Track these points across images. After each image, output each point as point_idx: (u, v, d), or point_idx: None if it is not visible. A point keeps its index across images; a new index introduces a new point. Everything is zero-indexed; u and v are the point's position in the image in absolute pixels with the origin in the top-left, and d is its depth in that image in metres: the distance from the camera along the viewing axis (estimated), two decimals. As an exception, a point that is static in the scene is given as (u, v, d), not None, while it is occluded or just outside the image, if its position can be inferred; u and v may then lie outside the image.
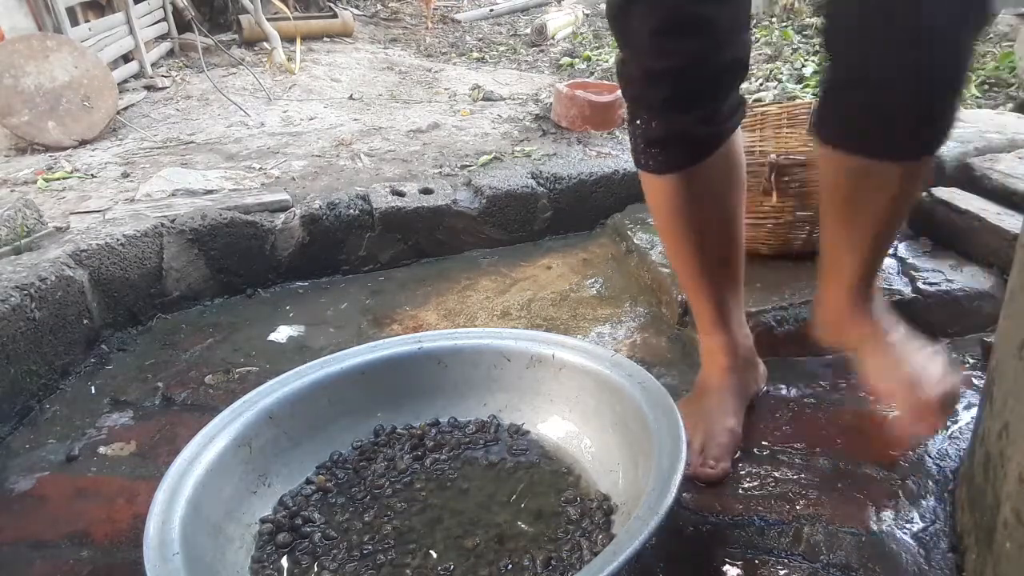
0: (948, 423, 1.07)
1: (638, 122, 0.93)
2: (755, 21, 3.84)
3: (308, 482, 1.00)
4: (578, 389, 1.05)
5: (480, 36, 3.98)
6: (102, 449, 1.12)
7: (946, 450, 1.01)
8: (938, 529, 0.88)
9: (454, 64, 3.36)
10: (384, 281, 1.64)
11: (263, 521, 0.93)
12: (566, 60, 3.21)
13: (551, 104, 2.50)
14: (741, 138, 1.01)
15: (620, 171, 1.82)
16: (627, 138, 2.29)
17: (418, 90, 2.94)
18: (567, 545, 0.88)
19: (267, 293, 1.59)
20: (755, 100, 2.47)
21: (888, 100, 0.79)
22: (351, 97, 2.88)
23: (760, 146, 1.37)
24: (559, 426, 1.06)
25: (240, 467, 0.95)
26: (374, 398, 1.10)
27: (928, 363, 0.92)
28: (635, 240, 1.62)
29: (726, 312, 1.05)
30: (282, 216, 1.61)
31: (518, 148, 2.16)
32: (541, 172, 1.79)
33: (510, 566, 0.85)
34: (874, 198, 0.87)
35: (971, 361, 1.24)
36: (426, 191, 1.72)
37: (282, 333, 1.44)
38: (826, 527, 0.90)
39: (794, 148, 1.34)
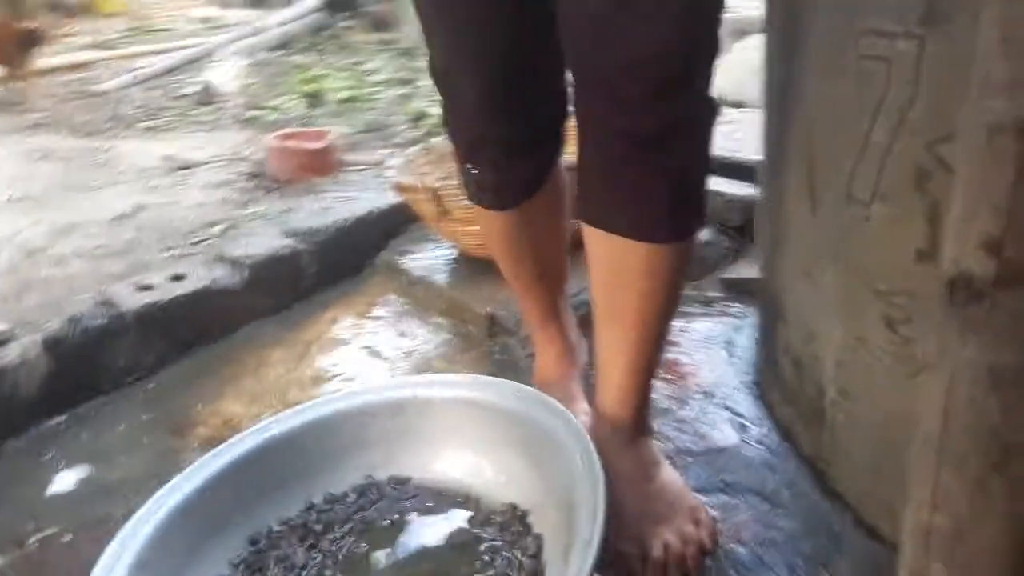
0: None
1: (468, 166, 0.98)
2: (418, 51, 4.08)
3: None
4: (450, 420, 1.06)
5: (138, 104, 3.64)
6: None
7: (729, 378, 1.23)
8: (767, 430, 1.08)
9: (123, 138, 3.03)
10: (158, 387, 1.45)
11: None
12: (252, 114, 3.10)
13: (262, 160, 2.42)
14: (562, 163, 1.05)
15: (373, 210, 1.84)
16: (352, 177, 2.31)
17: (95, 173, 2.60)
18: (501, 561, 0.91)
19: (20, 443, 1.31)
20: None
21: (629, 183, 0.81)
22: (9, 199, 2.45)
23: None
24: (441, 461, 1.06)
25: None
26: (234, 507, 0.99)
27: (672, 519, 0.91)
28: (414, 273, 1.66)
29: (559, 307, 1.16)
30: (9, 348, 1.35)
31: (248, 211, 2.05)
32: (295, 228, 1.74)
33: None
34: (638, 285, 0.86)
35: (717, 295, 1.51)
36: (177, 277, 1.56)
37: (65, 482, 1.21)
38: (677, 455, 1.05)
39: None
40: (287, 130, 2.52)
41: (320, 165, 2.34)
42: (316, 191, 2.21)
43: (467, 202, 1.43)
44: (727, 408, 1.15)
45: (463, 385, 1.07)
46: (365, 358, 1.46)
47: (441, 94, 0.95)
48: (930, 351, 0.74)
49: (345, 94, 3.28)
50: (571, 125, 0.90)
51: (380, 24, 4.86)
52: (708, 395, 1.18)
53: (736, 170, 1.62)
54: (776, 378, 1.08)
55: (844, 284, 0.83)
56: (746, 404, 1.15)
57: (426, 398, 1.07)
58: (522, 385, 1.02)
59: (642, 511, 0.91)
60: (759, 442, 1.07)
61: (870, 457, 0.87)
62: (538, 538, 0.93)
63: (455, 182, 1.50)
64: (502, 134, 0.93)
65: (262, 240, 1.70)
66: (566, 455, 0.89)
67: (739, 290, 1.48)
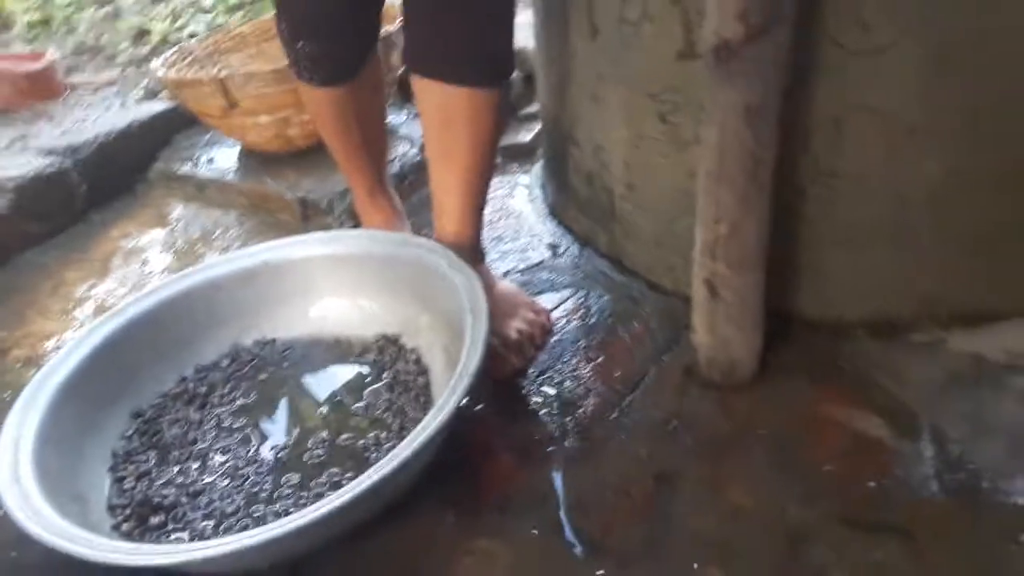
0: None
1: (301, 44, 1.04)
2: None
3: (119, 480, 0.91)
4: (304, 276, 1.14)
5: None
6: None
7: (529, 214, 1.47)
8: (570, 244, 1.33)
9: None
10: (-61, 325, 1.31)
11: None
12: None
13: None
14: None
15: (133, 122, 1.75)
16: (87, 98, 2.12)
17: None
18: (388, 373, 1.05)
19: None
20: (190, 35, 2.50)
21: (449, 36, 0.97)
22: None
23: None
24: (300, 316, 1.14)
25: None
26: (107, 390, 0.99)
27: (517, 313, 1.11)
28: (201, 175, 1.64)
29: (384, 179, 1.28)
30: None
31: (-29, 142, 1.80)
32: (52, 147, 1.60)
33: (373, 434, 0.96)
34: (464, 126, 1.01)
35: (497, 160, 1.72)
36: (-73, 207, 1.38)
37: None
38: (508, 275, 1.27)
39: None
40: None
41: (43, 89, 2.10)
42: (48, 116, 1.99)
43: (256, 91, 1.48)
44: (534, 236, 1.37)
45: (312, 242, 1.15)
46: (177, 259, 1.45)
47: None
48: (690, 130, 1.01)
49: (35, 17, 2.87)
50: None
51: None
52: (517, 230, 1.40)
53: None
54: (570, 199, 1.32)
55: (624, 96, 1.07)
56: (549, 229, 1.39)
57: (277, 261, 1.14)
58: (373, 231, 1.14)
59: (493, 312, 1.11)
60: (566, 252, 1.31)
61: (653, 232, 1.15)
62: (415, 350, 1.08)
63: (242, 69, 1.52)
64: (330, 10, 1.02)
65: (19, 161, 1.54)
66: (433, 273, 1.04)
67: (514, 153, 1.70)
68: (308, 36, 1.05)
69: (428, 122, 1.06)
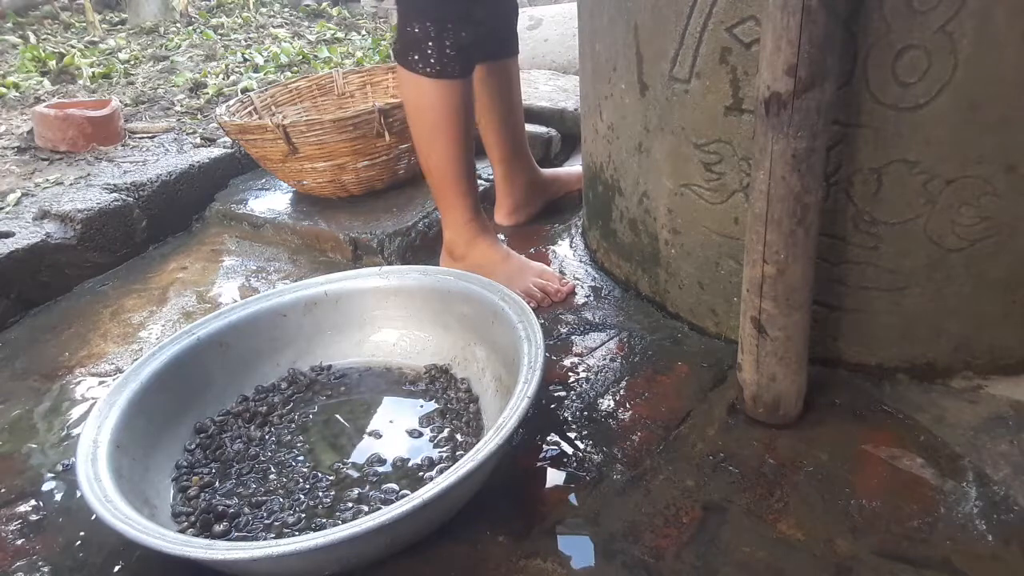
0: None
1: (449, 27, 1.20)
2: (163, 30, 3.86)
3: (183, 490, 0.94)
4: (356, 308, 1.20)
5: None
6: None
7: (572, 260, 1.53)
8: (612, 287, 1.38)
9: None
10: (6, 345, 1.37)
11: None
12: (-13, 91, 2.76)
13: (30, 132, 2.22)
14: None
15: (194, 164, 1.84)
16: (145, 143, 2.22)
17: None
18: (442, 398, 1.08)
19: None
20: (242, 89, 2.64)
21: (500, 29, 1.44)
22: None
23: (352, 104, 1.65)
24: (354, 345, 1.20)
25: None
26: (175, 406, 1.04)
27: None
28: (259, 215, 1.71)
29: (477, 202, 1.36)
30: None
31: (40, 180, 1.90)
32: (118, 184, 1.69)
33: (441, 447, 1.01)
34: (509, 87, 1.51)
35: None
36: (4, 234, 1.46)
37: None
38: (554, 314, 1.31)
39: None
40: (57, 100, 2.33)
41: (105, 133, 2.22)
42: (109, 159, 2.10)
43: (316, 138, 1.56)
44: (577, 280, 1.43)
45: (369, 275, 1.21)
46: (233, 291, 1.51)
47: None
48: (734, 179, 1.07)
49: (98, 70, 3.04)
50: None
51: (109, 4, 4.47)
52: (562, 274, 1.45)
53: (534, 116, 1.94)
54: (613, 245, 1.37)
55: (671, 147, 1.14)
56: (590, 274, 1.44)
57: (337, 292, 1.20)
58: (427, 266, 1.20)
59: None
60: (608, 295, 1.36)
61: (696, 276, 1.19)
62: (465, 380, 1.12)
63: (302, 118, 1.61)
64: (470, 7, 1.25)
65: (87, 195, 1.63)
66: (488, 307, 1.09)
67: (554, 206, 1.77)
68: (456, 18, 1.21)
69: (495, 91, 1.50)
